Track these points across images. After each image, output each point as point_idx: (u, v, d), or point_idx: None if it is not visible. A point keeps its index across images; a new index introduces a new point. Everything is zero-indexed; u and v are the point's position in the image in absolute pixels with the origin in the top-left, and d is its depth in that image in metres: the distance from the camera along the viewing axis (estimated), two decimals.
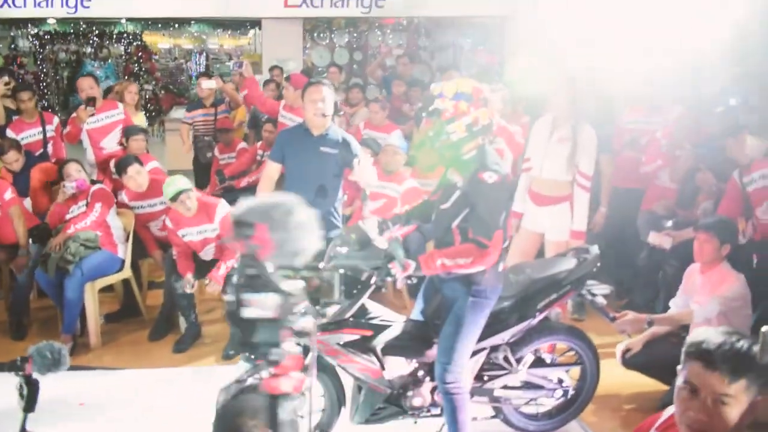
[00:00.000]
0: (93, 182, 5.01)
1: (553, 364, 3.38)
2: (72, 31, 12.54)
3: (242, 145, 6.31)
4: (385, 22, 10.57)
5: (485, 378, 3.23)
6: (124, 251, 4.65)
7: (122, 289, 4.92)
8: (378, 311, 3.12)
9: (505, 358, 3.22)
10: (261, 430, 1.39)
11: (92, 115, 5.28)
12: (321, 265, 2.49)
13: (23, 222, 4.71)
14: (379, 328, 3.04)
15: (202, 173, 6.52)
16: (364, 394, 3.12)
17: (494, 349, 3.19)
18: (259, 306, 1.05)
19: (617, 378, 3.83)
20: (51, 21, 11.10)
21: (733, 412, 1.55)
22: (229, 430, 1.39)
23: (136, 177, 4.65)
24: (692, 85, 5.37)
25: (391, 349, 3.03)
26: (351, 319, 2.98)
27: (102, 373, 4.17)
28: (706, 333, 1.60)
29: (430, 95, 2.86)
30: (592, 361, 3.41)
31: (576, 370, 3.45)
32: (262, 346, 1.06)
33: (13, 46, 13.76)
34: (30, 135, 5.49)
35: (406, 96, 6.84)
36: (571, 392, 3.40)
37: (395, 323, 3.09)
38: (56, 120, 5.75)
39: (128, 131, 5.37)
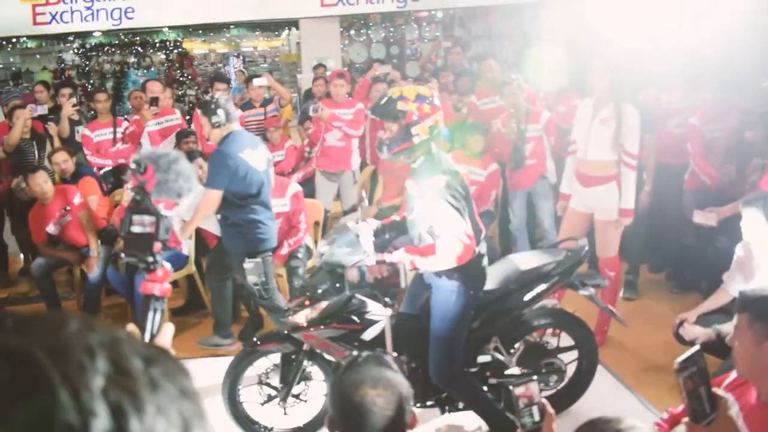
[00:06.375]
0: None
1: (548, 352, 3.40)
2: (116, 42, 12.94)
3: (290, 142, 6.51)
4: (420, 15, 10.67)
5: (478, 368, 3.28)
6: (188, 248, 4.89)
7: (186, 284, 5.17)
8: (367, 306, 3.20)
9: (496, 348, 3.28)
10: (382, 398, 1.49)
11: (155, 114, 5.60)
12: (318, 261, 2.73)
13: (92, 224, 5.01)
14: (368, 322, 3.14)
15: None
16: None
17: (486, 339, 3.25)
18: (141, 223, 1.32)
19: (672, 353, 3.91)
20: (96, 34, 11.47)
21: (738, 344, 1.72)
22: (349, 403, 1.52)
23: (197, 170, 4.90)
24: (730, 64, 5.34)
25: (383, 342, 3.10)
26: (339, 313, 3.11)
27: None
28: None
29: (382, 98, 2.94)
30: (590, 347, 3.43)
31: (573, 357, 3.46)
32: (139, 254, 1.33)
33: (60, 60, 14.29)
34: (102, 134, 5.91)
35: (454, 86, 6.89)
36: (568, 377, 3.42)
37: (384, 317, 3.16)
38: (125, 123, 6.09)
39: (179, 134, 5.65)
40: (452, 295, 2.95)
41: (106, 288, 5.24)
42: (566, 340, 3.50)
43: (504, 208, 5.50)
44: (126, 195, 4.95)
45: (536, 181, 5.20)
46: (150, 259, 1.32)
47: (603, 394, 3.61)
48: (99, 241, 5.03)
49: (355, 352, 3.11)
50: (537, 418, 1.95)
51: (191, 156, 4.98)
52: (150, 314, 1.27)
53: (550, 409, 1.93)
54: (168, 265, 1.33)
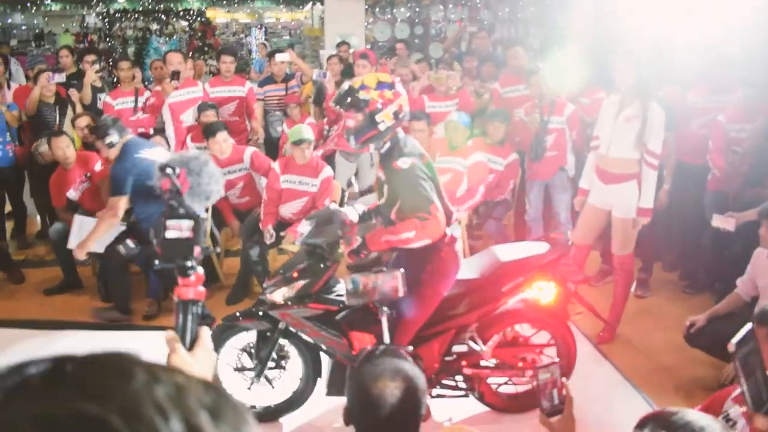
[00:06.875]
0: None
1: (522, 345, 3.36)
2: (140, 8, 12.93)
3: (309, 119, 6.49)
4: None
5: (454, 357, 3.29)
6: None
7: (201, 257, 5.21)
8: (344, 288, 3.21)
9: (472, 338, 3.27)
10: (401, 390, 1.51)
11: (176, 88, 5.61)
12: (297, 241, 2.84)
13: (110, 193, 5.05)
14: (344, 304, 3.15)
15: (270, 147, 6.75)
16: (332, 367, 3.29)
17: (462, 329, 3.24)
18: (178, 229, 1.29)
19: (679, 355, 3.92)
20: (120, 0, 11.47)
21: None
22: (368, 395, 1.51)
23: (222, 144, 4.93)
24: (759, 63, 5.24)
25: (356, 324, 3.13)
26: (317, 294, 3.15)
27: None
28: None
29: (344, 89, 2.96)
30: (567, 346, 3.36)
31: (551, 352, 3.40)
32: (178, 260, 1.29)
33: (82, 23, 14.31)
34: (123, 102, 5.93)
35: (477, 72, 6.83)
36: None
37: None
38: (147, 93, 6.09)
39: (200, 107, 5.65)
40: (422, 276, 2.98)
41: None
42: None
43: (520, 198, 5.49)
44: None
45: (555, 173, 5.17)
46: (189, 264, 1.29)
47: (608, 392, 3.64)
48: None
49: (331, 332, 3.16)
50: (556, 401, 1.98)
51: (214, 128, 5.00)
52: (189, 320, 1.26)
53: (571, 393, 1.96)
54: (201, 269, 1.31)
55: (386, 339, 2.99)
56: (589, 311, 3.57)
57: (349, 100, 2.90)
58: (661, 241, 5.12)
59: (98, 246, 4.39)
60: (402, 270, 2.88)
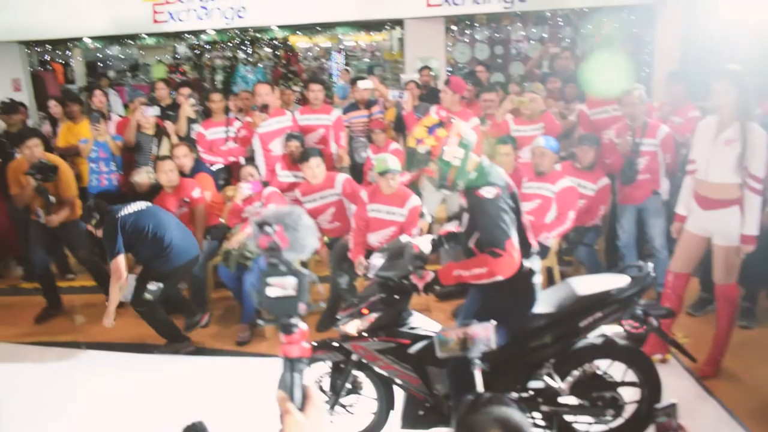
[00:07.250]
0: (264, 184, 5.47)
1: (606, 384, 3.17)
2: (227, 39, 13.45)
3: (394, 145, 6.55)
4: (526, 14, 10.44)
5: (530, 393, 3.17)
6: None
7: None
8: (419, 322, 3.22)
9: (549, 375, 3.14)
10: None
11: (265, 120, 5.80)
12: (370, 273, 2.94)
13: (204, 220, 5.27)
14: (418, 338, 3.13)
15: (354, 172, 6.86)
16: (405, 400, 3.26)
17: (538, 365, 3.14)
18: (281, 286, 1.27)
19: None
20: (211, 32, 11.97)
21: None
22: None
23: (315, 169, 5.05)
24: None
25: (430, 358, 3.06)
26: (389, 326, 3.13)
27: (277, 360, 4.57)
28: None
29: (407, 155, 3.01)
30: (652, 388, 3.16)
31: (635, 391, 3.22)
32: (282, 318, 1.28)
33: (174, 54, 15.05)
34: (215, 133, 6.17)
35: (561, 93, 6.71)
36: (626, 413, 3.18)
37: (434, 334, 3.11)
38: (237, 123, 6.31)
39: (286, 137, 5.80)
40: (495, 310, 2.93)
41: (215, 281, 5.49)
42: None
43: (612, 223, 5.33)
44: (239, 193, 5.16)
45: (647, 196, 4.99)
46: (293, 321, 1.29)
47: (714, 429, 3.46)
48: (209, 236, 5.27)
49: (403, 365, 3.15)
50: None
51: (308, 154, 5.12)
52: (297, 378, 1.27)
53: None
54: (304, 325, 1.31)
55: (479, 386, 2.91)
56: (673, 347, 3.40)
57: (416, 160, 2.97)
58: (766, 267, 4.83)
59: (124, 297, 4.73)
60: (494, 321, 2.83)
